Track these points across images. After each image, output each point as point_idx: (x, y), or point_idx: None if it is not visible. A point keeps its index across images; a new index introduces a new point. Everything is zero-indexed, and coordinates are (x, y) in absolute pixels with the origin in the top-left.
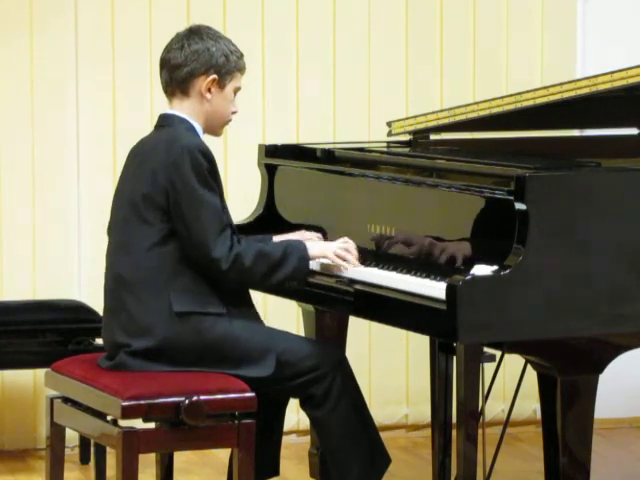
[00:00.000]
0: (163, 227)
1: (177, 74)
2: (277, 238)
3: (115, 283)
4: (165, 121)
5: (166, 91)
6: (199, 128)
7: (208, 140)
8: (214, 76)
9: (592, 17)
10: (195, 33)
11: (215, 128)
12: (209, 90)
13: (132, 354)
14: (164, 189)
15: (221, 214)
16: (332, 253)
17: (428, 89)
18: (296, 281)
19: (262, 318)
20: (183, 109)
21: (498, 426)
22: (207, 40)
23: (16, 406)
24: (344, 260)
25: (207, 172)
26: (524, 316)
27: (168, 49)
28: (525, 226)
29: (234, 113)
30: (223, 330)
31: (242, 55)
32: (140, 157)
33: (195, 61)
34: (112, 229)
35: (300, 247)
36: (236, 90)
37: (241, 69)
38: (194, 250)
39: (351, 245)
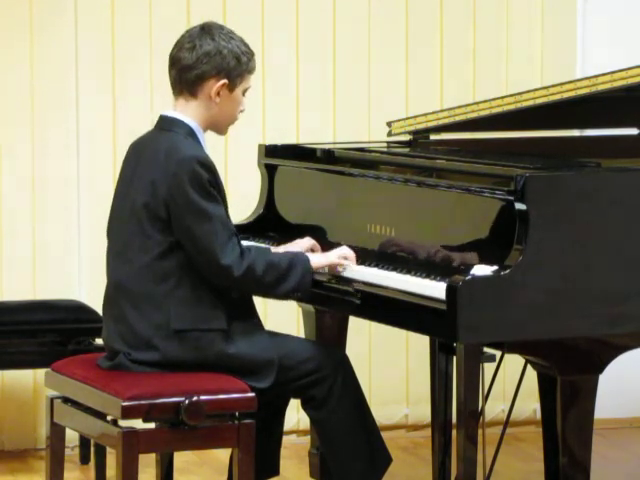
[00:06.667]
0: (163, 240)
1: (187, 75)
2: (274, 249)
3: (115, 290)
4: (166, 124)
5: (174, 89)
6: (201, 131)
7: (209, 140)
8: (224, 80)
9: (592, 17)
10: (207, 32)
11: (221, 128)
12: (218, 94)
13: (132, 361)
14: (164, 201)
15: (227, 223)
16: (335, 257)
17: (428, 89)
18: (300, 292)
19: (262, 319)
20: (187, 110)
21: (498, 426)
22: (219, 41)
23: (16, 406)
24: (345, 261)
25: (207, 183)
26: (524, 316)
27: (179, 47)
28: (525, 226)
29: (241, 112)
30: (222, 347)
31: (253, 55)
32: (140, 164)
33: (206, 64)
34: (111, 233)
35: (304, 259)
36: (245, 91)
37: (251, 70)
38: (202, 260)
39: (348, 248)
